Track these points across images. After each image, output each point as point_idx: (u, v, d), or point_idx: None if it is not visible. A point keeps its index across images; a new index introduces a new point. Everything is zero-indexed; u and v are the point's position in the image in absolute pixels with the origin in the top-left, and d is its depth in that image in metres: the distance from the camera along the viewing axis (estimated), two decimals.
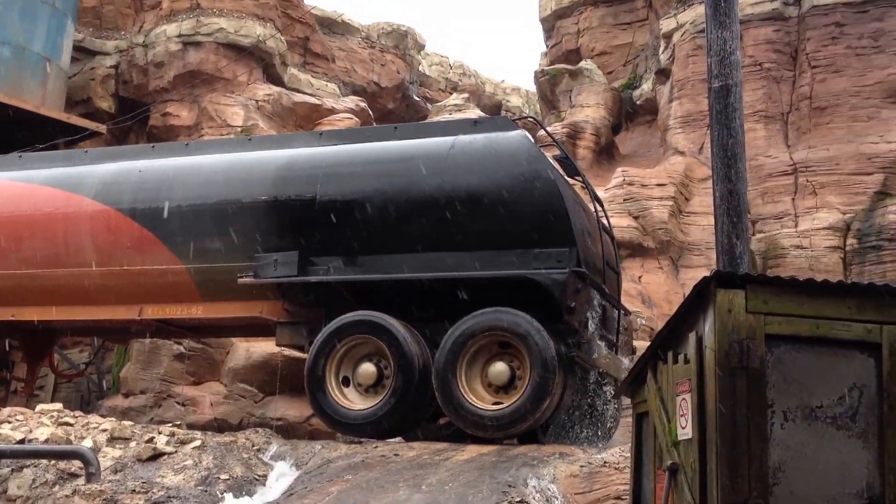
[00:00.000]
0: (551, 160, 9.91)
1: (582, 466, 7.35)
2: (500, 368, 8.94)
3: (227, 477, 8.46)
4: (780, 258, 19.80)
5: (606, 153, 24.11)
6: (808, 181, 21.40)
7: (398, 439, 9.47)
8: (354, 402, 9.41)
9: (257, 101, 20.56)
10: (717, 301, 4.23)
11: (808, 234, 20.29)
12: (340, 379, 9.52)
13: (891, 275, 18.21)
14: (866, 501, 4.11)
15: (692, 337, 4.47)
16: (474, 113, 22.89)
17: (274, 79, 21.65)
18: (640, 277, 19.26)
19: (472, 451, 8.33)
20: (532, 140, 9.71)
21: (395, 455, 8.33)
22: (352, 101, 22.47)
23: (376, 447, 8.73)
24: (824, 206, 20.80)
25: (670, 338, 4.84)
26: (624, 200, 20.09)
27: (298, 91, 21.94)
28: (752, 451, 4.09)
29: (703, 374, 4.35)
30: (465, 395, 8.87)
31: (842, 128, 21.71)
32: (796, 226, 20.75)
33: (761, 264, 18.82)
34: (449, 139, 9.75)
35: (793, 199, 21.39)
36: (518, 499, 6.83)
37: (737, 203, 7.33)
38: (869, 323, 4.27)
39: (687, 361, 4.52)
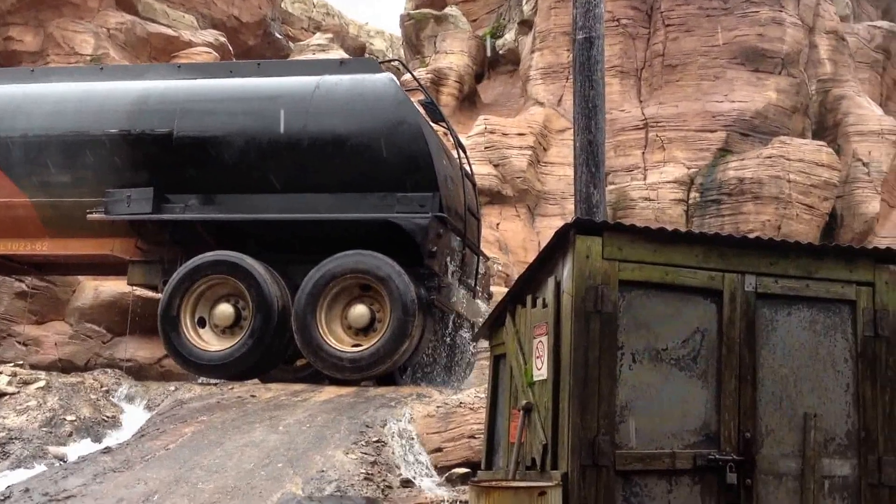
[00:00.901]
0: (416, 105, 9.93)
1: (438, 407, 7.51)
2: (360, 311, 9.00)
3: (75, 418, 8.27)
4: (629, 209, 20.51)
5: (469, 101, 24.26)
6: (657, 136, 22.16)
7: (254, 381, 9.44)
8: (210, 343, 9.31)
9: (108, 30, 19.68)
10: (575, 247, 4.37)
11: (656, 186, 21.08)
12: (196, 320, 9.39)
13: (729, 227, 19.16)
14: (703, 437, 4.36)
15: (551, 282, 4.62)
16: (338, 54, 22.60)
17: (127, 7, 20.72)
18: (497, 224, 19.61)
19: (329, 392, 8.40)
20: (398, 84, 9.70)
21: (252, 396, 8.31)
22: (210, 35, 21.80)
23: (232, 388, 8.69)
24: (671, 161, 21.62)
25: (529, 282, 4.97)
26: (485, 148, 20.32)
27: (153, 21, 21.09)
28: (601, 390, 4.28)
29: (560, 318, 4.50)
30: (325, 338, 8.90)
31: (691, 86, 22.53)
32: (645, 179, 21.50)
33: (611, 215, 19.45)
34: (314, 79, 9.63)
35: (643, 153, 22.13)
36: (375, 439, 6.94)
37: (595, 153, 7.55)
38: (713, 271, 4.51)
39: (545, 305, 4.66)
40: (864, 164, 22.38)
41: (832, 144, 22.32)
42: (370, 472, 6.44)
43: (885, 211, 23.30)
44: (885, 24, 26.69)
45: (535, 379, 4.71)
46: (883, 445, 4.43)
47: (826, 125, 23.80)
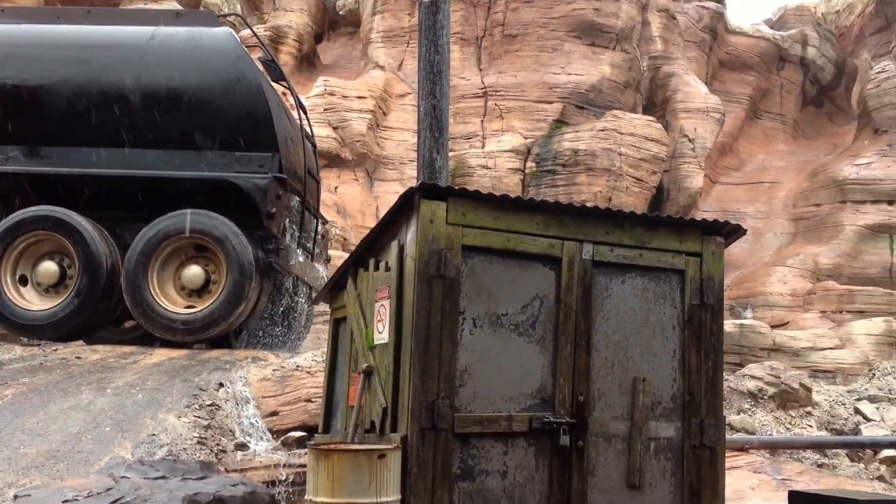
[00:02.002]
0: (256, 62, 9.69)
1: (274, 370, 7.42)
2: (194, 272, 8.78)
3: None
4: (468, 176, 20.80)
5: (308, 61, 23.92)
6: (496, 105, 22.51)
7: (80, 342, 9.07)
8: (33, 302, 8.89)
9: None
10: (420, 212, 4.37)
11: (494, 155, 21.45)
12: (17, 277, 8.94)
13: (563, 197, 19.74)
14: (539, 401, 4.47)
15: (394, 245, 4.61)
16: (171, 5, 21.75)
17: None
18: (336, 188, 19.48)
19: (161, 354, 8.16)
20: (237, 39, 9.42)
21: (78, 358, 7.98)
22: None
23: (56, 350, 8.32)
24: (509, 130, 22.04)
25: (372, 246, 4.96)
26: (324, 110, 20.11)
27: None
28: (442, 354, 4.31)
29: (403, 282, 4.51)
30: (157, 299, 8.63)
31: (529, 56, 22.97)
32: (483, 147, 21.84)
33: (450, 182, 19.62)
34: (149, 29, 9.24)
35: (482, 122, 22.45)
36: (209, 402, 6.80)
37: (439, 119, 7.57)
38: (552, 238, 4.60)
39: (388, 269, 4.65)
40: (690, 140, 23.46)
41: (661, 120, 23.28)
42: (204, 436, 6.30)
43: (708, 186, 24.55)
44: (712, 4, 27.93)
45: (376, 342, 4.71)
46: (705, 409, 4.66)
47: (656, 101, 24.78)
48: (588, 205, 4.82)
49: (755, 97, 27.72)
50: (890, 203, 23.24)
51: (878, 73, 25.66)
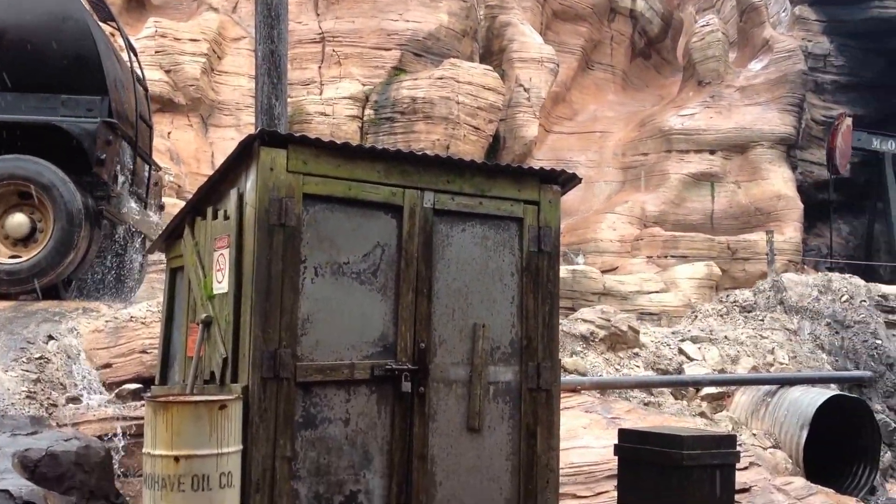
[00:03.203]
0: (83, 1, 9.22)
1: (107, 321, 7.19)
2: (18, 220, 8.38)
3: None
4: (305, 123, 20.55)
5: (137, 1, 22.91)
6: (333, 51, 22.25)
7: None
8: None
9: None
10: (260, 159, 4.30)
11: (332, 102, 21.24)
12: None
13: (401, 145, 19.77)
14: (381, 348, 4.52)
15: (233, 193, 4.52)
16: None
17: None
18: (169, 133, 18.85)
19: None
20: None
21: None
22: None
23: None
24: (347, 77, 21.85)
25: (210, 194, 4.85)
26: (156, 53, 19.37)
27: None
28: (284, 303, 4.29)
29: (243, 231, 4.44)
30: None
31: (367, 2, 22.75)
32: (321, 93, 21.59)
33: (288, 129, 19.32)
34: None
35: (319, 68, 22.15)
36: (38, 355, 6.54)
37: (277, 64, 7.43)
38: (394, 187, 4.63)
39: (227, 218, 4.57)
40: (526, 90, 23.87)
41: (497, 69, 23.56)
42: (33, 390, 6.07)
43: (542, 135, 25.09)
44: None
45: (215, 292, 4.63)
46: (542, 353, 4.83)
47: (492, 50, 25.04)
48: (429, 153, 4.86)
49: (587, 48, 28.40)
50: (712, 153, 24.41)
51: (703, 26, 26.74)
